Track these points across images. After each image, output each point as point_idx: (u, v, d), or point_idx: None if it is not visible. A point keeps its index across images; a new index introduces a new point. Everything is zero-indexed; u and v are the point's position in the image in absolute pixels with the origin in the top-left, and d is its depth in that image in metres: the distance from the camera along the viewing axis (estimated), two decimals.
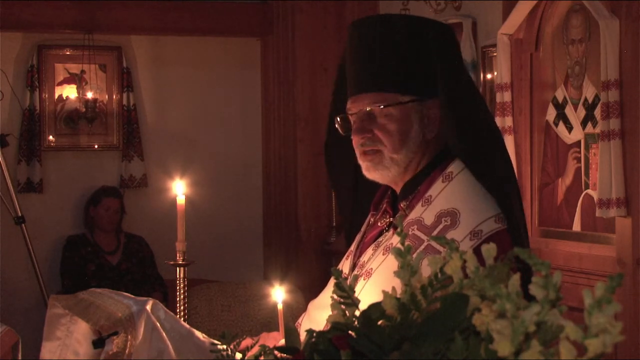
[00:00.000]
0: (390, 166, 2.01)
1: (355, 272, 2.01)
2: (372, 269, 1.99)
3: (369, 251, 2.05)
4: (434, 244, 1.89)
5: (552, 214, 4.16)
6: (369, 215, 2.17)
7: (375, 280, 1.95)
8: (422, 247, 1.91)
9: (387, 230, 2.05)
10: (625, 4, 3.65)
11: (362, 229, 2.17)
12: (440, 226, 1.92)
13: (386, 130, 1.99)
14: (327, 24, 5.65)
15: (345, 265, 2.12)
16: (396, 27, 2.02)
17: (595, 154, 3.84)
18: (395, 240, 1.99)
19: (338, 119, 2.07)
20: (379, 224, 2.10)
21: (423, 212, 1.97)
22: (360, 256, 2.08)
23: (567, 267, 3.91)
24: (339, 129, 2.07)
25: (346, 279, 1.31)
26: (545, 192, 4.19)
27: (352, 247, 2.16)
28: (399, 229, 1.31)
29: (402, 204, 2.03)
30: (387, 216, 2.08)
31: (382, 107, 1.99)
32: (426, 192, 2.00)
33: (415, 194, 2.02)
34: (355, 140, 2.04)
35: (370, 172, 2.04)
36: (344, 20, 5.63)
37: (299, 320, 2.22)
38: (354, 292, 1.29)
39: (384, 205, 2.12)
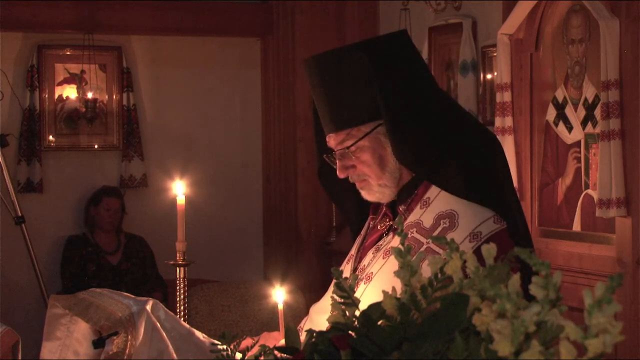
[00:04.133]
0: (382, 190, 2.04)
1: None
2: (372, 273, 1.99)
3: (369, 255, 2.05)
4: (433, 246, 1.89)
5: (552, 214, 4.16)
6: (369, 219, 2.18)
7: (375, 284, 1.95)
8: (422, 249, 1.91)
9: (386, 234, 2.06)
10: (625, 4, 3.65)
11: (362, 233, 2.18)
12: (439, 228, 1.93)
13: (363, 162, 2.02)
14: (327, 24, 5.64)
15: (346, 269, 2.12)
16: (331, 64, 2.03)
17: (595, 154, 3.84)
18: (395, 243, 1.99)
19: (326, 158, 2.10)
20: (378, 227, 2.10)
21: (422, 215, 1.97)
22: (360, 260, 2.08)
23: (567, 267, 3.91)
24: (332, 165, 2.09)
25: (347, 279, 1.31)
26: (545, 192, 4.19)
27: (353, 251, 2.16)
28: (399, 230, 1.31)
29: (401, 208, 2.04)
30: (387, 219, 2.09)
31: (348, 148, 2.01)
32: (424, 195, 2.00)
33: (414, 196, 2.03)
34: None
35: (368, 197, 2.08)
36: (344, 20, 5.63)
37: (301, 324, 2.21)
38: (354, 292, 1.29)
39: (384, 209, 2.12)
